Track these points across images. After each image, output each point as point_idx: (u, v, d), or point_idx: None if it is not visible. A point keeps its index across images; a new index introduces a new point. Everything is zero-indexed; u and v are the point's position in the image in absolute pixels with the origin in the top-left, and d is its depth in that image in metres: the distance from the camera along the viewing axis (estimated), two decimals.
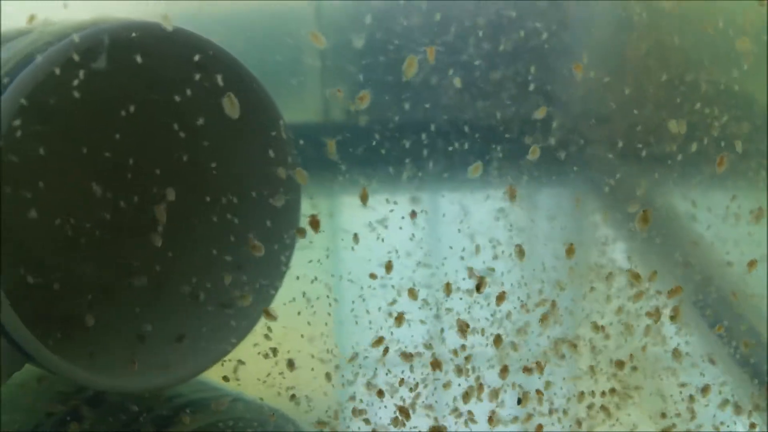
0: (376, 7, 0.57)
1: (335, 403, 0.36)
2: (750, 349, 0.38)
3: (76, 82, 0.28)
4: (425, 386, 0.36)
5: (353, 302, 0.39)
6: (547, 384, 0.36)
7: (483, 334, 0.38)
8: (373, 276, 0.37)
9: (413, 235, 0.41)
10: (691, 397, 0.35)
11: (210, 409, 0.34)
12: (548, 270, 0.41)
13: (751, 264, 0.36)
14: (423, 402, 0.36)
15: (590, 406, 0.35)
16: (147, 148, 0.35)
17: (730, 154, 0.35)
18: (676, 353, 0.36)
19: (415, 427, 0.34)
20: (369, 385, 0.36)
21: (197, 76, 0.32)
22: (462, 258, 0.41)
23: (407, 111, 0.51)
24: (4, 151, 0.28)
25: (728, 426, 0.34)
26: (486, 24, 0.49)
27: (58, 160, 0.34)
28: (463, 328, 0.36)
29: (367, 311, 0.39)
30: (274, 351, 0.36)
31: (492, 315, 0.38)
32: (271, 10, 0.59)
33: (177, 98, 0.33)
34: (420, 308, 0.39)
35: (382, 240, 0.41)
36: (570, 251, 0.35)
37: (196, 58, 0.31)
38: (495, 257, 0.41)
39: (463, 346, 0.37)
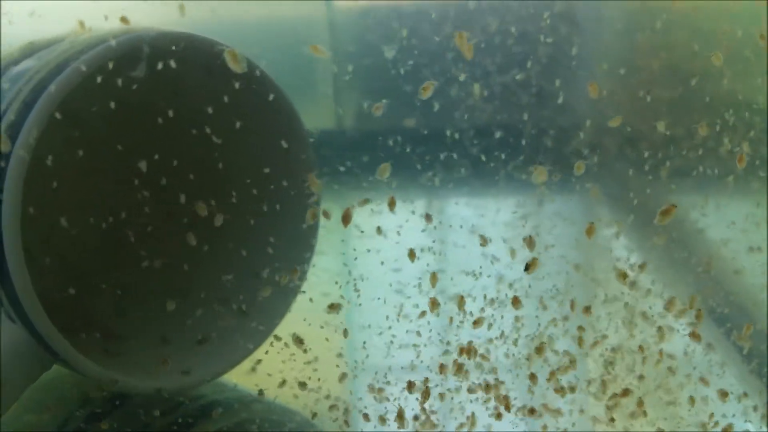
0: (389, 14, 0.58)
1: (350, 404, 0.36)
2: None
3: (110, 89, 0.28)
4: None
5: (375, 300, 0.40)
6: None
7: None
8: (412, 254, 0.37)
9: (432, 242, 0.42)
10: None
11: (231, 410, 0.35)
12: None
13: None
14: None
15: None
16: (175, 154, 0.36)
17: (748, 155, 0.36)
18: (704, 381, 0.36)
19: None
20: (379, 390, 0.37)
21: (231, 86, 0.33)
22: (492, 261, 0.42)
23: (421, 117, 0.52)
24: (38, 156, 0.29)
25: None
26: (504, 30, 0.50)
27: (88, 164, 0.35)
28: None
29: (387, 317, 0.40)
30: (292, 355, 0.37)
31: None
32: (284, 17, 0.59)
33: (203, 106, 0.34)
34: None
35: (397, 242, 0.41)
36: (590, 231, 0.35)
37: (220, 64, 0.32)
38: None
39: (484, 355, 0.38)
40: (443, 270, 0.44)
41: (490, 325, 0.39)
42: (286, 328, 0.37)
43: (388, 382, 0.37)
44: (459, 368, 0.36)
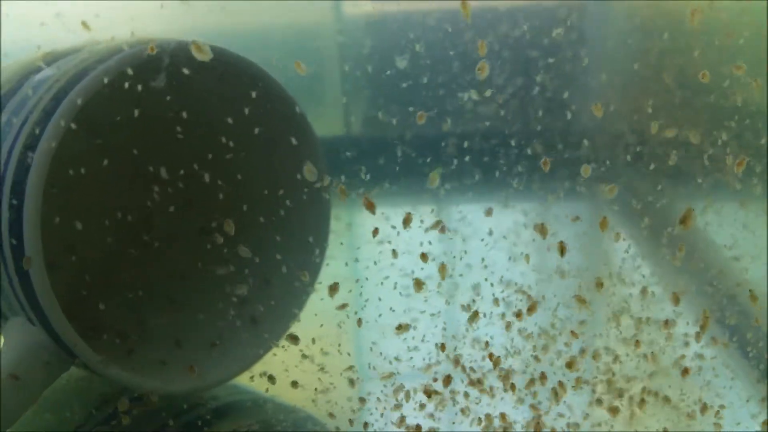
0: (398, 23, 0.58)
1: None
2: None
3: (128, 97, 0.29)
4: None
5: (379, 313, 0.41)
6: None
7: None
8: (424, 257, 0.37)
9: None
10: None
11: (245, 411, 0.35)
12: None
13: None
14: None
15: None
16: (191, 160, 0.37)
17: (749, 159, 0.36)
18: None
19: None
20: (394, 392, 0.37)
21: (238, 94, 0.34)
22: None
23: (428, 124, 0.53)
24: (58, 162, 0.29)
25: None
26: (516, 37, 0.50)
27: (107, 170, 0.36)
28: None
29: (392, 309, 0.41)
30: (304, 356, 0.38)
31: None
32: (294, 26, 0.60)
33: (218, 114, 0.35)
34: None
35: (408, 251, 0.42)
36: (603, 224, 0.35)
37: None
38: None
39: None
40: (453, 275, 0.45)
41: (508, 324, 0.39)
42: (297, 329, 0.38)
43: (402, 387, 0.37)
44: (472, 380, 0.37)
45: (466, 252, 0.45)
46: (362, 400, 0.37)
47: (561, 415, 0.35)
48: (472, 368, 0.38)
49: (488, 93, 0.42)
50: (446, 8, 0.57)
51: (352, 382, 0.37)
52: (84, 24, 0.34)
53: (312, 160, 0.36)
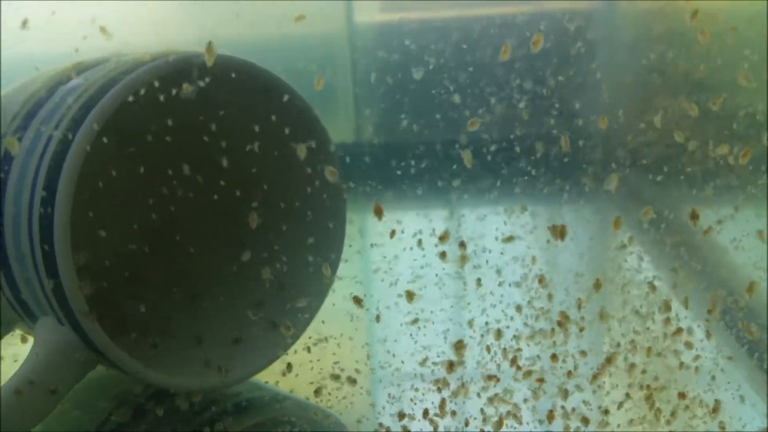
0: (408, 32, 0.59)
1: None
2: None
3: (156, 107, 0.31)
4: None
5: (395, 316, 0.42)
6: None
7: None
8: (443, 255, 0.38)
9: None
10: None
11: (265, 407, 0.37)
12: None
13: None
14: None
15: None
16: (213, 165, 0.38)
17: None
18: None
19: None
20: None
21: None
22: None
23: (440, 131, 0.54)
24: (87, 168, 0.31)
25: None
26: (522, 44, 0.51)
27: (134, 175, 0.37)
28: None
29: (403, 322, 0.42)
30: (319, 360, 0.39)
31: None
32: (307, 36, 0.61)
33: (242, 123, 0.36)
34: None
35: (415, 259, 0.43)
36: (617, 224, 0.36)
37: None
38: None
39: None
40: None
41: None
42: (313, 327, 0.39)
43: (416, 389, 0.38)
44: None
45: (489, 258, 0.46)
46: (373, 399, 0.38)
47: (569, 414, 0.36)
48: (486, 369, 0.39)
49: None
50: (459, 15, 0.59)
51: (366, 379, 0.39)
52: (102, 29, 0.35)
53: (330, 164, 0.38)
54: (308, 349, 0.39)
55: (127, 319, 0.37)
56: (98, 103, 0.31)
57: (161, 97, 0.31)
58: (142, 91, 0.31)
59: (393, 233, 0.38)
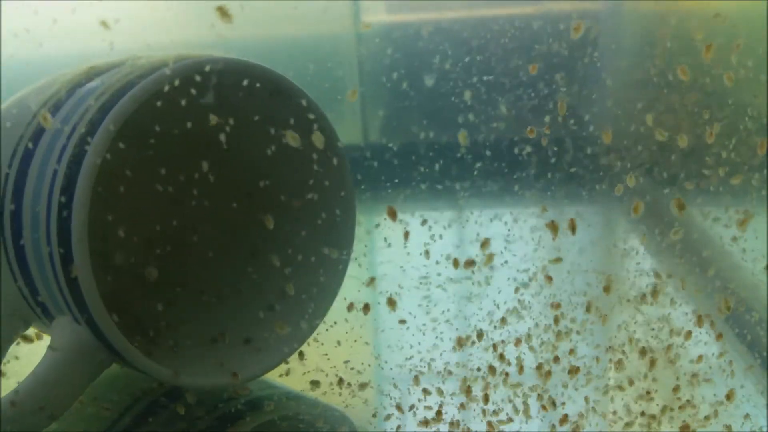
0: (415, 35, 0.60)
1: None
2: None
3: (172, 111, 0.31)
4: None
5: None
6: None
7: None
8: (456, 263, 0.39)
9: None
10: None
11: (278, 405, 0.37)
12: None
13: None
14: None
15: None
16: (227, 168, 0.39)
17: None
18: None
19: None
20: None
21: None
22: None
23: (445, 133, 0.54)
24: (104, 169, 0.31)
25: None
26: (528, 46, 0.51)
27: (149, 177, 0.38)
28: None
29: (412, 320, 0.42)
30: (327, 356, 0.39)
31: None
32: (316, 39, 0.61)
33: (255, 126, 0.37)
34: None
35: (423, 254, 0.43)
36: (636, 209, 0.37)
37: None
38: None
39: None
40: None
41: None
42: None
43: (427, 391, 0.39)
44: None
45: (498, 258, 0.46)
46: (383, 397, 0.38)
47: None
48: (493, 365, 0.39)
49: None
50: (464, 17, 0.59)
51: (377, 378, 0.39)
52: (103, 23, 0.35)
53: (340, 164, 0.38)
54: (318, 348, 0.40)
55: (142, 318, 0.37)
56: (115, 105, 0.31)
57: (182, 102, 0.32)
58: (160, 93, 0.32)
59: (407, 234, 0.38)
